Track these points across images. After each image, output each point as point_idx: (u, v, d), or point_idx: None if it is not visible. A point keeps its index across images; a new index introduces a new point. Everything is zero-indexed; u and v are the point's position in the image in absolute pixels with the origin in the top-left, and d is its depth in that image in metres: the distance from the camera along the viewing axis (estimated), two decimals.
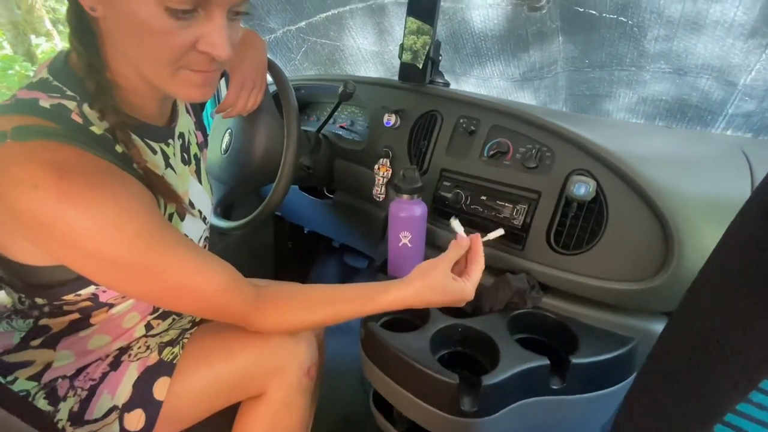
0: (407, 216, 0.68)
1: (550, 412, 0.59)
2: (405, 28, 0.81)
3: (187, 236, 0.51)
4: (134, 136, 0.49)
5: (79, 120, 0.42)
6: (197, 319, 0.67)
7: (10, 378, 0.52)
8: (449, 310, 0.70)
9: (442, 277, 0.56)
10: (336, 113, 1.01)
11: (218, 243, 1.27)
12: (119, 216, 0.40)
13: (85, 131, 0.43)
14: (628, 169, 0.57)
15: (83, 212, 0.38)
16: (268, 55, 0.74)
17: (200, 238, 0.63)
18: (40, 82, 0.43)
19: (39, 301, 0.50)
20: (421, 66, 0.82)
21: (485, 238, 0.61)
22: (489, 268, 0.71)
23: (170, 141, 0.56)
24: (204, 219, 0.63)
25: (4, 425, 0.39)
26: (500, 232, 0.62)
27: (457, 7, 0.85)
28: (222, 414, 0.61)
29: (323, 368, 0.73)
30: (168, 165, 0.54)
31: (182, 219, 0.56)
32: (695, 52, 0.75)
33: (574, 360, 0.55)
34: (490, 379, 0.52)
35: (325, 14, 1.02)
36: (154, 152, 0.52)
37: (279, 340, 0.59)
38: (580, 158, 0.61)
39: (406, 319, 0.69)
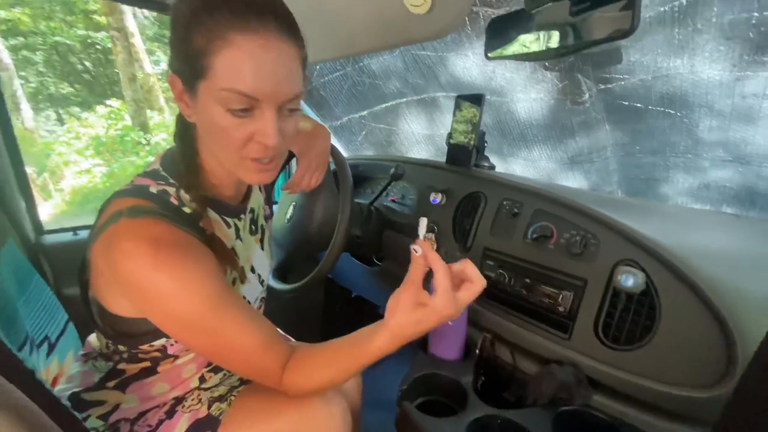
0: None
1: None
2: (453, 118, 0.90)
3: (243, 299, 0.57)
4: (213, 213, 0.58)
5: (175, 202, 0.53)
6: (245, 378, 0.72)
7: (84, 415, 0.59)
8: (490, 397, 0.67)
9: (409, 309, 0.52)
10: (384, 191, 1.09)
11: (272, 302, 1.35)
12: (193, 283, 0.48)
13: (179, 211, 0.53)
14: (680, 263, 0.54)
15: (167, 278, 0.47)
16: (333, 139, 0.86)
17: (256, 299, 0.69)
18: (153, 172, 0.55)
19: (121, 347, 0.59)
20: (468, 151, 0.88)
21: (421, 237, 0.55)
22: (533, 356, 0.68)
23: (242, 216, 0.66)
24: (262, 282, 0.70)
25: None
26: (424, 221, 0.56)
27: (502, 100, 0.93)
28: None
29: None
30: (238, 236, 0.63)
31: (242, 282, 0.63)
32: (754, 142, 0.72)
33: None
34: None
35: (384, 105, 1.15)
36: (228, 226, 0.61)
37: (315, 409, 0.61)
38: (627, 248, 0.60)
39: (443, 403, 0.68)
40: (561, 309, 0.66)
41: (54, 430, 0.45)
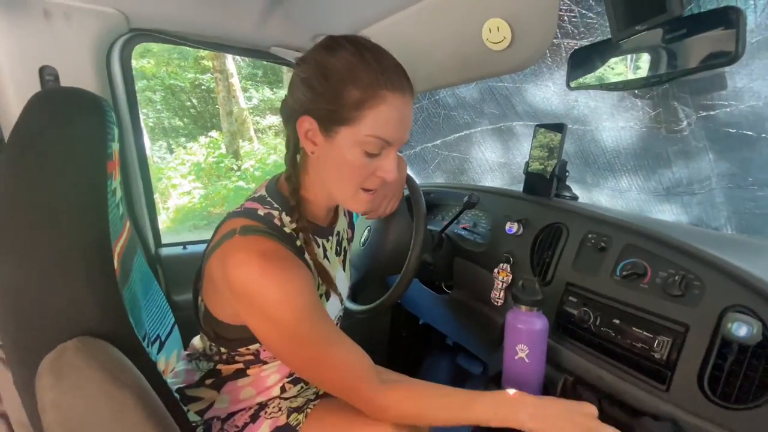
0: (525, 328, 0.67)
1: None
2: (532, 145, 0.88)
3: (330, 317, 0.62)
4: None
5: (279, 224, 0.60)
6: (321, 392, 0.75)
7: (185, 408, 0.67)
8: None
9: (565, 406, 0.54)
10: (456, 218, 1.10)
11: (342, 322, 1.40)
12: (294, 292, 0.54)
13: (281, 231, 0.60)
14: None
15: (273, 285, 0.53)
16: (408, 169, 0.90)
17: (336, 316, 0.74)
18: (260, 197, 0.64)
19: (222, 349, 0.66)
20: (547, 180, 0.86)
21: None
22: (623, 405, 0.62)
23: (330, 237, 0.71)
24: (341, 300, 0.75)
25: None
26: None
27: (585, 129, 0.89)
28: None
29: None
30: (325, 256, 0.69)
31: (328, 299, 0.68)
32: None
33: None
34: None
35: (458, 134, 1.18)
36: (318, 246, 0.67)
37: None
38: (738, 292, 0.53)
39: None
40: (657, 356, 0.60)
41: (165, 416, 0.52)
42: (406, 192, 0.95)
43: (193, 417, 0.68)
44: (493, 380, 0.74)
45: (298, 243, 0.61)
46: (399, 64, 0.58)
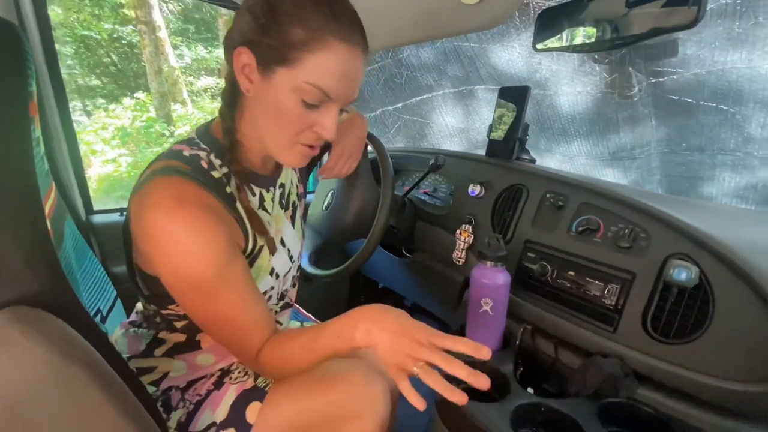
0: (489, 283, 0.70)
1: None
2: (495, 110, 0.90)
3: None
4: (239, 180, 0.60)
5: (205, 166, 0.55)
6: None
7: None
8: (530, 387, 0.68)
9: (397, 316, 0.52)
10: (420, 182, 1.10)
11: (300, 289, 1.37)
12: (207, 244, 0.50)
13: (207, 174, 0.55)
14: (736, 258, 0.54)
15: (182, 232, 0.49)
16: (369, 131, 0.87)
17: (287, 275, 0.71)
18: (188, 140, 0.59)
19: (152, 307, 0.61)
20: (509, 144, 0.88)
21: None
22: (577, 349, 0.68)
23: (271, 188, 0.67)
24: (292, 258, 0.72)
25: (144, 422, 0.47)
26: None
27: (545, 93, 0.92)
28: None
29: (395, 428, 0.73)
30: (261, 206, 0.64)
31: (272, 253, 0.65)
32: None
33: None
34: None
35: (419, 97, 1.16)
36: (253, 194, 0.63)
37: (359, 387, 0.63)
38: (680, 242, 0.60)
39: (485, 392, 0.68)
40: (607, 302, 0.65)
41: (123, 390, 0.47)
42: (373, 155, 0.92)
43: (149, 389, 0.63)
44: (457, 334, 0.77)
45: (228, 190, 0.57)
46: (356, 15, 0.54)
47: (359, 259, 0.85)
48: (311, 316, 1.06)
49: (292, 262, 0.74)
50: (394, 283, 1.28)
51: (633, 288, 0.63)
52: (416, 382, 0.50)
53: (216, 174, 0.56)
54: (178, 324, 0.62)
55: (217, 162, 0.57)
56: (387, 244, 1.23)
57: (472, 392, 0.65)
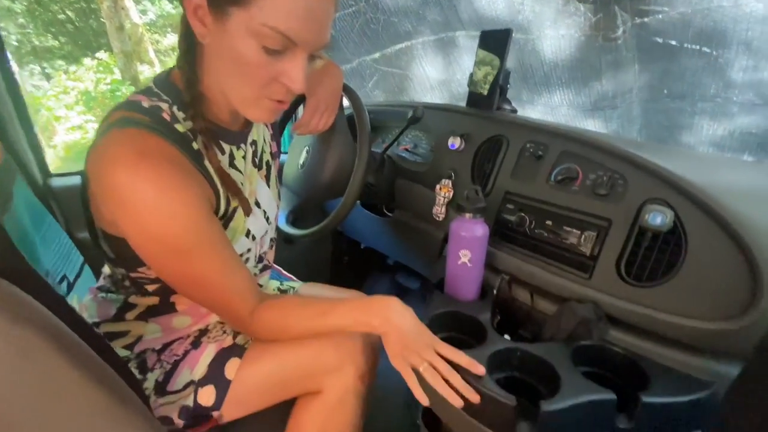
0: (468, 235, 0.70)
1: None
2: (476, 58, 0.85)
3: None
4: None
5: (168, 118, 0.51)
6: None
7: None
8: (507, 334, 0.69)
9: (409, 313, 0.59)
10: (399, 137, 1.06)
11: (283, 250, 1.36)
12: (176, 202, 0.47)
13: (170, 127, 0.51)
14: (710, 201, 0.54)
15: (150, 189, 0.45)
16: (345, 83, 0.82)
17: (264, 237, 0.69)
18: (146, 89, 0.53)
19: (120, 271, 0.59)
20: (488, 93, 0.85)
21: None
22: (552, 296, 0.69)
23: (242, 145, 0.63)
24: (268, 219, 0.70)
25: (112, 383, 0.46)
26: None
27: (527, 38, 0.88)
28: (279, 408, 0.65)
29: (375, 382, 0.75)
30: (232, 165, 0.61)
31: (246, 214, 0.62)
32: None
33: (645, 399, 0.52)
34: (550, 406, 0.51)
35: (398, 46, 1.10)
36: (222, 152, 0.59)
37: (338, 340, 0.63)
38: (656, 187, 0.59)
39: (462, 339, 0.69)
40: (583, 249, 0.66)
41: (85, 352, 0.46)
42: (349, 111, 0.88)
43: (121, 353, 0.62)
44: (436, 287, 0.78)
45: (195, 146, 0.53)
46: None
47: (336, 218, 0.82)
48: (292, 277, 1.05)
49: (269, 224, 0.71)
50: (377, 243, 1.27)
51: (609, 235, 0.63)
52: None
53: (180, 128, 0.52)
54: (150, 287, 0.60)
55: (180, 115, 0.53)
56: (367, 203, 1.21)
57: (450, 342, 0.66)
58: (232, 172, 0.60)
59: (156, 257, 0.51)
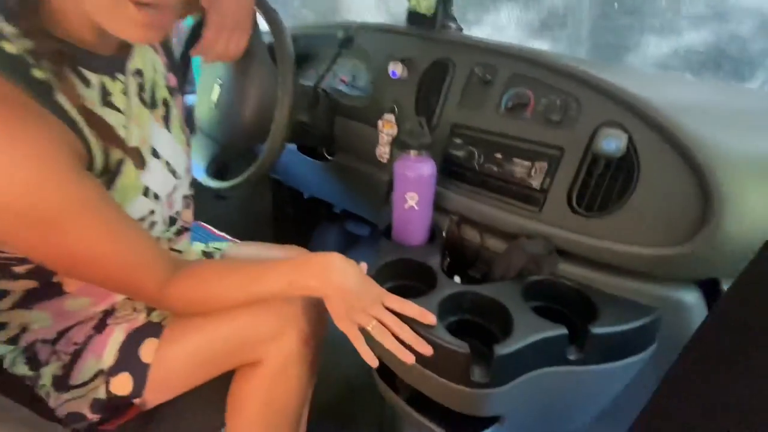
0: (414, 175, 0.63)
1: (563, 382, 0.55)
2: None
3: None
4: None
5: None
6: None
7: None
8: (456, 275, 0.66)
9: (351, 267, 0.53)
10: (337, 67, 0.93)
11: (216, 207, 1.22)
12: (23, 155, 0.35)
13: None
14: (664, 120, 0.50)
15: None
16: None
17: (172, 193, 0.57)
18: None
19: None
20: (431, 10, 0.73)
21: None
22: (501, 233, 0.66)
23: (118, 75, 0.49)
24: (175, 173, 0.57)
25: None
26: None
27: None
28: (217, 380, 0.58)
29: (324, 339, 0.70)
30: (107, 102, 0.47)
31: (139, 168, 0.50)
32: None
33: (594, 330, 0.51)
34: (503, 349, 0.48)
35: None
36: (88, 84, 0.44)
37: (275, 304, 0.56)
38: (611, 109, 0.55)
39: (412, 286, 0.65)
40: (533, 183, 0.61)
41: None
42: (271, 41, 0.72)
43: (2, 349, 0.50)
44: (383, 234, 0.72)
45: (39, 74, 0.38)
46: None
47: (263, 165, 0.71)
48: (226, 236, 0.94)
49: (177, 178, 0.59)
50: (320, 191, 1.18)
51: (561, 164, 0.58)
52: None
53: (10, 48, 0.37)
54: (19, 269, 0.47)
55: (10, 30, 0.37)
56: (305, 147, 1.09)
57: (401, 291, 0.62)
58: (107, 112, 0.46)
59: (12, 233, 0.39)
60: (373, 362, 0.52)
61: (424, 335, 0.51)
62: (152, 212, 0.53)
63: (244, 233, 0.93)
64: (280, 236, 1.41)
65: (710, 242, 0.48)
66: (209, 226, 0.96)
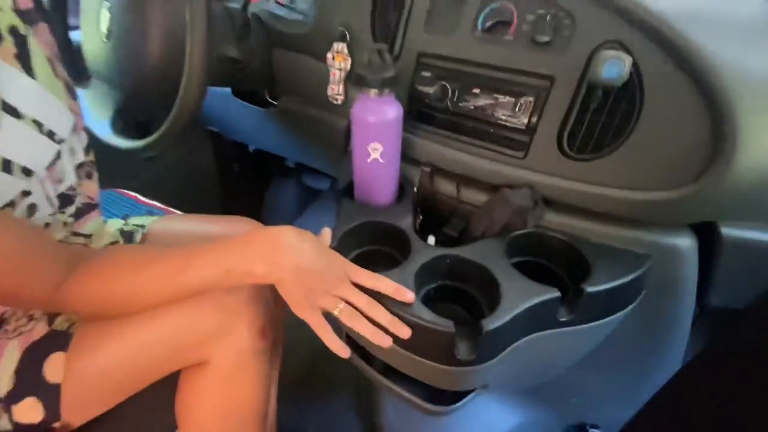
0: (376, 120, 0.51)
1: (550, 344, 0.51)
2: None
3: None
4: None
5: None
6: None
7: None
8: (431, 236, 0.58)
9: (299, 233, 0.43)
10: None
11: (147, 171, 1.04)
12: None
13: None
14: (678, 38, 0.41)
15: None
16: None
17: (54, 162, 0.43)
18: None
19: None
20: None
21: None
22: (481, 185, 0.57)
23: None
24: (53, 135, 0.42)
25: None
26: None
27: None
28: (163, 384, 0.49)
29: (285, 320, 0.61)
30: None
31: None
32: None
33: (589, 289, 0.45)
34: (492, 323, 0.42)
35: None
36: None
37: (216, 297, 0.45)
38: (612, 26, 0.44)
39: (381, 252, 0.56)
40: (518, 123, 0.52)
41: None
42: None
43: None
44: (345, 194, 0.61)
45: None
46: None
47: (181, 114, 0.55)
48: (157, 204, 0.79)
49: (58, 142, 0.43)
50: (266, 143, 1.02)
51: (550, 98, 0.49)
52: None
53: None
54: None
55: None
56: (242, 91, 0.91)
57: (371, 259, 0.53)
58: None
59: None
60: (344, 353, 0.44)
61: (400, 315, 0.43)
62: (26, 193, 0.39)
63: (185, 198, 0.79)
64: (228, 198, 1.25)
65: (719, 183, 0.42)
66: (134, 194, 0.80)
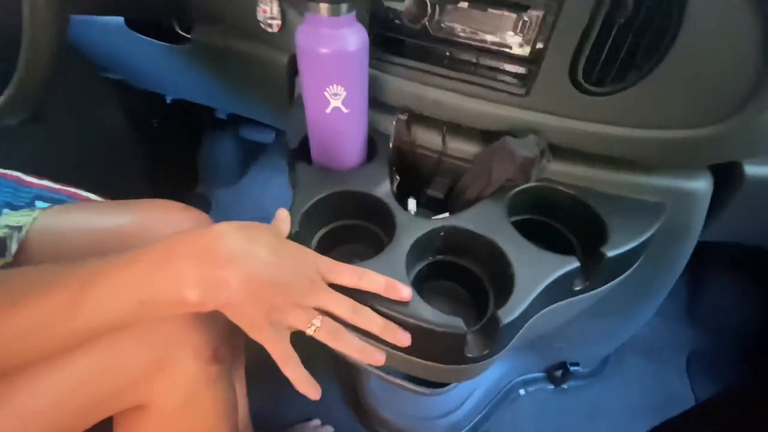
0: (333, 52, 0.36)
1: (557, 314, 0.45)
2: None
3: None
4: None
5: None
6: None
7: None
8: (411, 199, 0.47)
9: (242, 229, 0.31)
10: None
11: (32, 139, 0.80)
12: None
13: None
14: None
15: None
16: None
17: None
18: None
19: None
20: None
21: None
22: (472, 132, 0.46)
23: None
24: None
25: None
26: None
27: None
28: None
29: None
30: None
31: None
32: None
33: (609, 253, 0.39)
34: (510, 315, 0.34)
35: None
36: None
37: (152, 325, 0.32)
38: None
39: (358, 226, 0.45)
40: (518, 51, 0.40)
41: None
42: None
43: None
44: (299, 155, 0.48)
45: None
46: None
47: (31, 57, 0.36)
48: (50, 183, 0.61)
49: None
50: (185, 91, 0.81)
51: (562, 15, 0.37)
52: None
53: None
54: None
55: None
56: (142, 23, 0.69)
57: (343, 237, 0.42)
58: None
59: None
60: (315, 395, 0.34)
61: (395, 316, 0.34)
62: None
63: (91, 171, 0.61)
64: (152, 164, 1.03)
65: (759, 118, 0.34)
66: (15, 173, 0.61)
